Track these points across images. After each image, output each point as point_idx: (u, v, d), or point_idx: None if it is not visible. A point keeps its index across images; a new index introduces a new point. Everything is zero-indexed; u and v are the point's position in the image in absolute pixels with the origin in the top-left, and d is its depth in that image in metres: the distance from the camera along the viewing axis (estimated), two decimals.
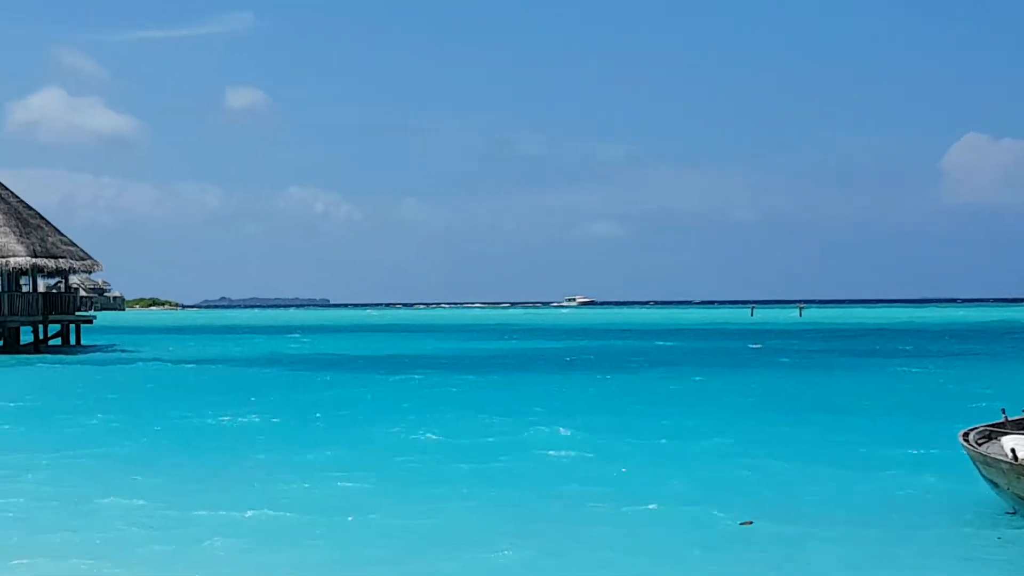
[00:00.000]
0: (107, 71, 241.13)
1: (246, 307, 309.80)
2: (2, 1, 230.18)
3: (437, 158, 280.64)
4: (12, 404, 28.12)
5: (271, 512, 13.55)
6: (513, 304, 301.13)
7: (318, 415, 24.93)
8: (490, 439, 20.44)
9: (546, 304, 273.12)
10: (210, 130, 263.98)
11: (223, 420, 24.04)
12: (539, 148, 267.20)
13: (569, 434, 20.76)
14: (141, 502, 14.31)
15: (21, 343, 54.38)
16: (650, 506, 13.81)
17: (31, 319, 53.00)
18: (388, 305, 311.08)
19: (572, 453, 18.64)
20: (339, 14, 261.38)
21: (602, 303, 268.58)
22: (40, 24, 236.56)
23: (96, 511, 13.85)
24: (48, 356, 49.77)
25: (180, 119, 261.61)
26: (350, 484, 15.60)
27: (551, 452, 18.72)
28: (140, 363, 45.35)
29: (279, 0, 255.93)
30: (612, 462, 17.48)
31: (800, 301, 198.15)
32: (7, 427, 23.24)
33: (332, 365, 44.47)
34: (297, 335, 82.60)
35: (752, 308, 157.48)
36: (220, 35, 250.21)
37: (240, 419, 24.18)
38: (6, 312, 50.71)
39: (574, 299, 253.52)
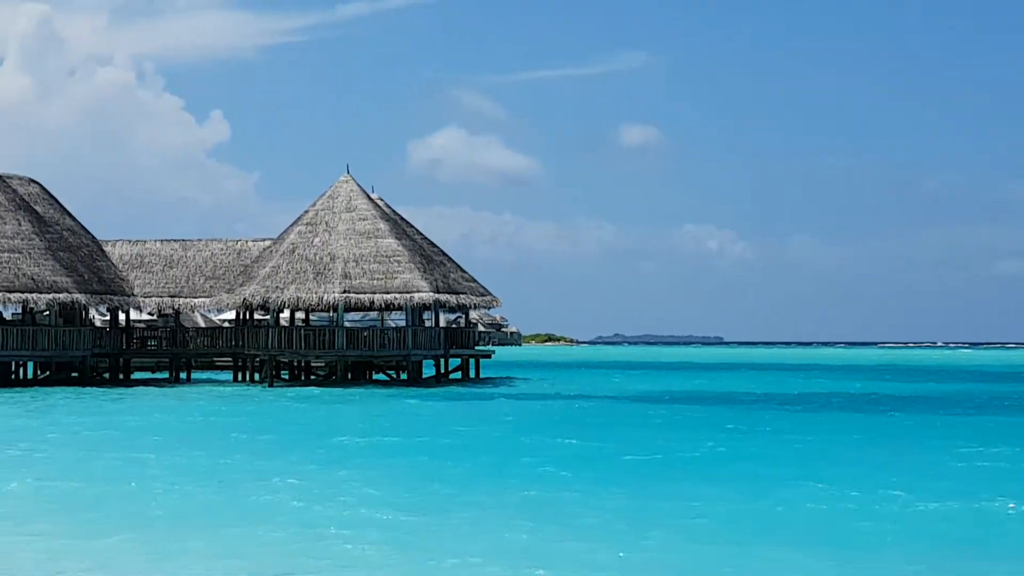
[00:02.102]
0: (504, 110, 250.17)
1: (639, 344, 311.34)
2: (408, 46, 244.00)
3: (834, 194, 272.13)
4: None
5: None
6: (928, 343, 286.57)
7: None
8: None
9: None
10: (605, 167, 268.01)
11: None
12: (941, 184, 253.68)
13: None
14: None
15: (423, 376, 55.24)
16: None
17: (433, 353, 53.83)
18: (784, 344, 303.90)
19: None
20: (732, 50, 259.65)
21: None
22: (442, 67, 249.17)
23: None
24: (452, 389, 49.97)
25: (575, 157, 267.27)
26: None
27: None
28: (557, 399, 44.75)
29: (673, 38, 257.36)
30: None
31: None
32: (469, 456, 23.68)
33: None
34: (716, 373, 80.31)
35: None
36: (614, 74, 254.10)
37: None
38: (410, 346, 51.59)
39: None
